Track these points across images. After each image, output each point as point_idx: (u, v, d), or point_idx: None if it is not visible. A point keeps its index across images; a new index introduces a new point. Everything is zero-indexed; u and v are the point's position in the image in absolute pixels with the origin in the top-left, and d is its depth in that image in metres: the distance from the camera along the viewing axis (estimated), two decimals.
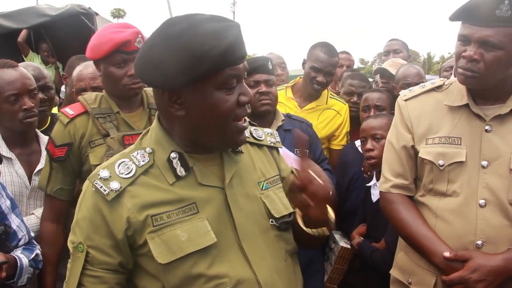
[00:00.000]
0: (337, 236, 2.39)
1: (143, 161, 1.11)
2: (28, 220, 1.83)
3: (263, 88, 2.22)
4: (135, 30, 1.74)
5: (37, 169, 1.96)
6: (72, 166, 1.79)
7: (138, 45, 1.72)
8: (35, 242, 1.75)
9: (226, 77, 1.04)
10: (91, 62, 2.51)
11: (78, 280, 1.07)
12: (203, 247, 1.06)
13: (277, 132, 1.37)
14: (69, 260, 1.12)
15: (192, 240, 1.06)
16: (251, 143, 1.28)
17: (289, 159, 1.55)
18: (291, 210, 1.23)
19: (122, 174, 1.08)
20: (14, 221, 1.67)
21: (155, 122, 1.17)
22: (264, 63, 2.26)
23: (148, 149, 1.12)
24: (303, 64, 2.88)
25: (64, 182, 1.81)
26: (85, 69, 2.37)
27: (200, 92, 1.04)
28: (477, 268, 1.45)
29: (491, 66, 1.46)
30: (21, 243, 1.68)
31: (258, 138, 1.30)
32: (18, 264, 1.57)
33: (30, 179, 1.94)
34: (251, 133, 1.29)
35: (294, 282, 1.19)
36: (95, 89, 2.27)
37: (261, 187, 1.21)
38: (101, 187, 1.06)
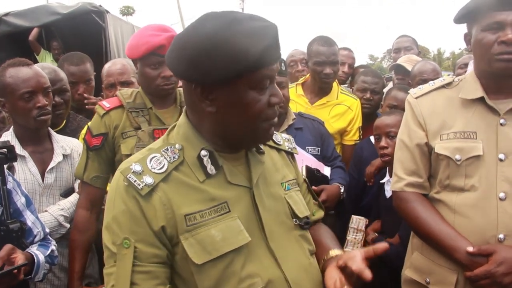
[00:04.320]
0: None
1: (173, 157, 1.09)
2: (42, 218, 1.83)
3: None
4: (171, 34, 1.81)
5: (49, 167, 1.97)
6: (107, 155, 1.89)
7: None
8: (50, 238, 1.76)
9: (261, 78, 1.03)
10: (118, 59, 2.77)
11: (130, 279, 1.00)
12: (237, 247, 1.05)
13: (292, 138, 1.38)
14: (107, 266, 1.06)
15: (226, 240, 1.05)
16: (271, 146, 1.28)
17: (301, 157, 1.56)
18: (309, 213, 1.27)
19: (154, 169, 1.06)
20: (29, 218, 1.68)
21: (182, 118, 1.15)
22: None
23: (177, 146, 1.11)
24: (306, 63, 2.89)
25: (100, 170, 1.89)
26: (113, 65, 2.59)
27: (233, 90, 1.03)
28: (503, 261, 1.43)
29: None
30: (36, 239, 1.69)
31: (277, 142, 1.31)
32: (35, 261, 1.58)
33: (42, 176, 1.96)
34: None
35: (319, 280, 1.18)
36: (123, 83, 2.49)
37: (284, 188, 1.22)
38: (134, 181, 1.03)
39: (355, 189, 2.52)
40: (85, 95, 2.66)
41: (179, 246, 1.04)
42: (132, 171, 1.04)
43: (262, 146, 1.23)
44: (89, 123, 1.93)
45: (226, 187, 1.10)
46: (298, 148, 2.11)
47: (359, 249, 1.08)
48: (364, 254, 1.05)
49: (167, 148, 1.10)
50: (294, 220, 1.18)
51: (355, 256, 1.06)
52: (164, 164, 1.07)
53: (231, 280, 1.04)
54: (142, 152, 1.12)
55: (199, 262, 1.02)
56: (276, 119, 1.11)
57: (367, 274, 1.01)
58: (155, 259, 1.03)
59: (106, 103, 1.91)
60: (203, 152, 1.10)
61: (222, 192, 1.09)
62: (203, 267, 1.03)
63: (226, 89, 1.03)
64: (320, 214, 1.39)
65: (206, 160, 1.09)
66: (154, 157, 1.08)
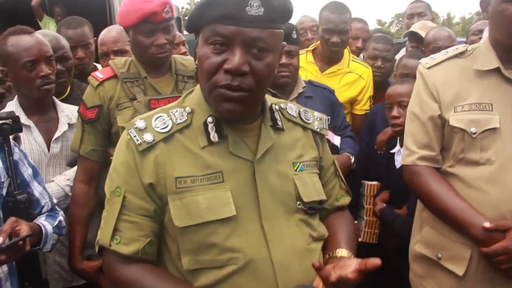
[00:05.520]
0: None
1: (180, 119, 1.11)
2: (49, 188, 1.83)
3: (283, 59, 2.14)
4: (163, 1, 1.75)
5: (55, 136, 1.95)
6: (103, 128, 1.86)
7: (166, 15, 1.76)
8: (58, 209, 1.76)
9: (210, 32, 1.03)
10: (113, 26, 2.62)
11: (114, 225, 1.07)
12: (221, 218, 1.05)
13: (326, 118, 1.32)
14: (104, 210, 1.13)
15: (211, 209, 1.05)
16: (296, 123, 1.24)
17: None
18: (323, 197, 1.21)
19: (157, 127, 1.09)
20: (36, 189, 1.67)
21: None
22: (287, 33, 2.14)
23: (188, 109, 1.13)
24: (317, 31, 2.82)
25: (96, 143, 1.87)
26: (107, 33, 2.50)
27: (199, 42, 1.08)
28: None
29: None
30: (44, 210, 1.69)
31: (306, 120, 1.26)
32: (43, 232, 1.58)
33: (48, 146, 1.94)
34: (299, 114, 1.25)
35: None
36: (116, 52, 2.40)
37: (295, 168, 1.17)
38: (134, 136, 1.08)
39: (366, 154, 2.49)
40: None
41: (168, 206, 1.07)
42: (135, 126, 1.09)
43: (282, 122, 1.20)
44: (83, 96, 1.88)
45: (226, 157, 1.09)
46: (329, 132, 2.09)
47: (354, 260, 1.05)
48: (357, 266, 1.02)
49: (177, 110, 1.13)
50: (298, 203, 1.14)
51: (348, 266, 1.03)
52: (168, 125, 1.10)
53: (212, 249, 1.05)
54: (153, 111, 1.15)
55: (180, 225, 1.05)
56: (234, 94, 1.03)
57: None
58: (142, 211, 1.07)
59: (100, 74, 1.86)
60: (210, 119, 1.10)
61: (220, 161, 1.09)
62: (185, 230, 1.05)
63: (198, 41, 1.07)
64: (345, 200, 1.33)
65: (211, 127, 1.10)
66: (160, 116, 1.11)
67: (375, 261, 0.99)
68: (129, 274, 1.08)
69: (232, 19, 0.99)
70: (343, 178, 1.35)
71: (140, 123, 1.10)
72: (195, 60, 1.22)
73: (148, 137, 1.08)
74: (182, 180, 1.06)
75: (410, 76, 2.38)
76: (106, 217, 1.11)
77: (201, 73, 1.08)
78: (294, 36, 2.19)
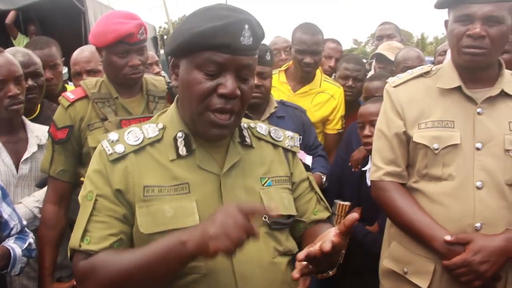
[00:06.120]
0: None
1: (152, 134, 1.17)
2: (17, 209, 1.79)
3: (256, 80, 2.17)
4: (138, 22, 1.79)
5: (24, 157, 1.93)
6: (74, 148, 1.85)
7: (141, 37, 1.80)
8: (27, 231, 1.73)
9: (205, 60, 1.07)
10: (86, 46, 2.61)
11: (84, 227, 1.09)
12: (185, 227, 1.06)
13: (298, 137, 1.35)
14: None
15: (176, 218, 1.08)
16: (267, 141, 1.28)
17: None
18: (292, 212, 1.22)
19: (129, 140, 1.15)
20: (5, 211, 1.64)
21: (174, 102, 1.22)
22: (261, 54, 2.19)
23: (160, 125, 1.19)
24: (290, 51, 2.86)
25: (66, 164, 1.86)
26: (80, 52, 2.48)
27: (186, 67, 1.11)
28: (479, 249, 1.45)
29: (496, 41, 1.50)
30: (13, 232, 1.66)
31: (276, 138, 1.30)
32: (12, 255, 1.56)
33: (17, 167, 1.91)
34: (269, 132, 1.30)
35: (280, 281, 1.16)
36: (89, 72, 2.38)
37: (263, 183, 1.20)
38: (106, 146, 1.14)
39: (341, 169, 2.52)
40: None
41: (135, 214, 1.10)
42: (108, 138, 1.16)
43: (251, 140, 1.24)
44: (54, 116, 1.87)
45: (194, 170, 1.14)
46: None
47: (333, 228, 1.02)
48: (337, 230, 0.99)
49: (150, 125, 1.19)
50: (263, 216, 1.15)
51: (329, 233, 1.00)
52: (139, 138, 1.16)
53: None
54: (128, 127, 1.21)
55: (145, 232, 1.08)
56: (225, 121, 1.09)
57: (326, 246, 0.95)
58: (112, 213, 1.11)
59: (70, 94, 1.86)
60: (179, 134, 1.16)
61: (187, 174, 1.13)
62: (150, 237, 1.07)
63: (183, 65, 1.11)
64: (324, 214, 1.33)
65: (180, 141, 1.15)
66: (132, 131, 1.17)
67: (353, 216, 0.98)
68: (94, 261, 1.07)
69: (229, 48, 1.05)
70: (321, 195, 1.36)
71: (113, 135, 1.16)
72: (170, 79, 1.25)
73: (119, 148, 1.13)
74: (150, 189, 1.10)
75: (371, 98, 2.44)
76: (78, 221, 1.12)
77: (190, 97, 1.11)
78: (268, 57, 2.23)
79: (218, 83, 1.08)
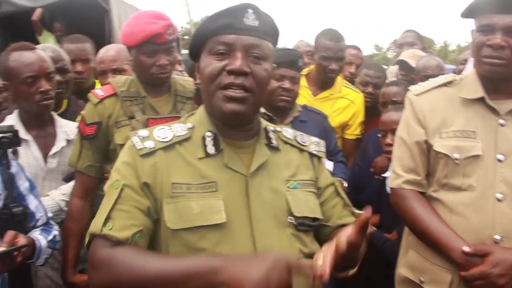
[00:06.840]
0: None
1: (181, 132, 1.19)
2: (44, 202, 1.85)
3: (287, 84, 2.21)
4: (167, 23, 1.80)
5: (52, 151, 1.99)
6: (101, 144, 1.88)
7: (169, 37, 1.82)
8: (52, 223, 1.78)
9: (212, 44, 1.13)
10: (112, 45, 2.67)
11: (107, 214, 1.09)
12: (211, 224, 1.09)
13: (323, 142, 1.37)
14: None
15: (203, 215, 1.09)
16: (293, 145, 1.29)
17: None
18: (318, 215, 1.23)
19: (159, 137, 1.17)
20: (32, 202, 1.69)
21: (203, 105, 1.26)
22: (294, 59, 2.23)
23: (189, 125, 1.22)
24: (313, 55, 2.88)
25: (93, 159, 1.90)
26: (106, 51, 2.54)
27: (202, 59, 1.17)
28: (498, 262, 1.44)
29: None
30: (39, 223, 1.71)
31: (302, 143, 1.31)
32: (37, 246, 1.60)
33: (45, 161, 1.97)
34: (295, 137, 1.31)
35: (305, 283, 1.13)
36: (114, 71, 2.44)
37: (288, 185, 1.21)
38: (136, 142, 1.16)
39: (359, 176, 2.52)
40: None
41: (162, 210, 1.11)
42: (137, 134, 1.18)
43: (278, 143, 1.25)
44: (83, 111, 1.92)
45: (221, 169, 1.15)
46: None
47: (350, 226, 1.04)
48: (354, 228, 1.01)
49: (179, 125, 1.22)
50: (289, 217, 1.17)
51: (346, 231, 1.02)
52: (168, 136, 1.18)
53: (200, 253, 1.08)
54: (158, 125, 1.23)
55: (172, 227, 1.10)
56: (237, 94, 1.11)
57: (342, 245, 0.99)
58: (136, 204, 1.11)
59: (100, 92, 1.89)
60: (208, 133, 1.19)
61: (215, 172, 1.15)
62: (176, 233, 1.09)
63: (201, 61, 1.18)
64: (349, 220, 1.31)
65: (209, 140, 1.18)
66: (163, 128, 1.20)
67: (366, 215, 0.99)
68: (115, 253, 1.05)
69: (232, 28, 1.11)
70: (347, 200, 1.36)
71: (143, 132, 1.18)
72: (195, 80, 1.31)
73: (149, 144, 1.15)
74: (178, 186, 1.12)
75: (388, 103, 2.46)
76: (101, 208, 1.12)
77: (204, 81, 1.15)
78: (300, 63, 2.25)
79: (227, 63, 1.12)
